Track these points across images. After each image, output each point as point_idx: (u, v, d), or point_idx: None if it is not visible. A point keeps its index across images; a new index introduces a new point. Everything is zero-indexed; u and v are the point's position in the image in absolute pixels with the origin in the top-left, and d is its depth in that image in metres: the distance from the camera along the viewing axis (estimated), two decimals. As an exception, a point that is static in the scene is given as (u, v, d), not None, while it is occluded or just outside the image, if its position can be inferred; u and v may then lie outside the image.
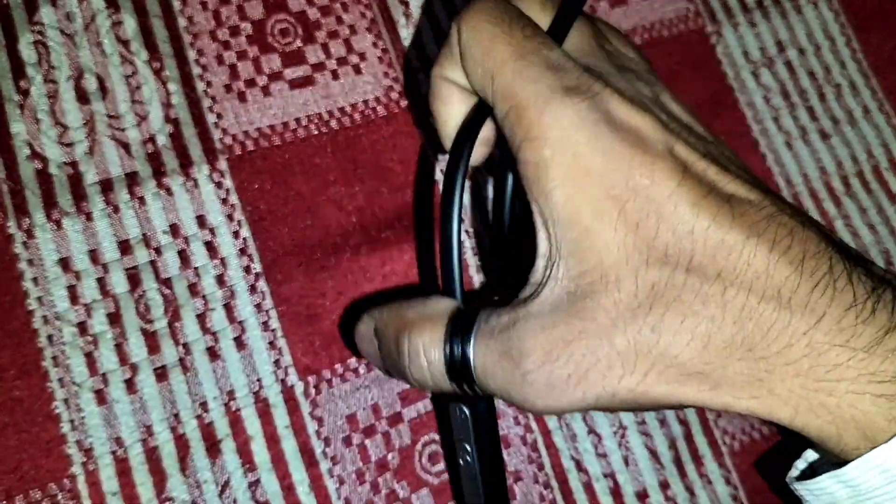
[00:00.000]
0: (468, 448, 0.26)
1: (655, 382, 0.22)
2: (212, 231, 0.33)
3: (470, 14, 0.25)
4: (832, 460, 0.23)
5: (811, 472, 0.24)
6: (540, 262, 0.24)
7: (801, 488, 0.24)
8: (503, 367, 0.23)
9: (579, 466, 0.34)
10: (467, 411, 0.25)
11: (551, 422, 0.34)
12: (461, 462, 0.26)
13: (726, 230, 0.21)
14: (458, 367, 0.23)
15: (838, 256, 0.22)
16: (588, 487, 0.34)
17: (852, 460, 0.22)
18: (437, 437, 0.33)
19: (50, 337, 0.31)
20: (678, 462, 0.35)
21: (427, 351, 0.24)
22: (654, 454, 0.35)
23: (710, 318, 0.21)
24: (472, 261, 0.36)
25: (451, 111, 0.27)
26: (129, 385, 0.31)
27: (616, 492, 0.34)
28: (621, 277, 0.22)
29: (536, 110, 0.23)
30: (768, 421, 0.23)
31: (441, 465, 0.33)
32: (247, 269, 0.33)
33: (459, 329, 0.24)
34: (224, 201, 0.34)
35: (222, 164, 0.34)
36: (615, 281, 0.22)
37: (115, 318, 0.32)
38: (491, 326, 0.23)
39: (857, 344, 0.21)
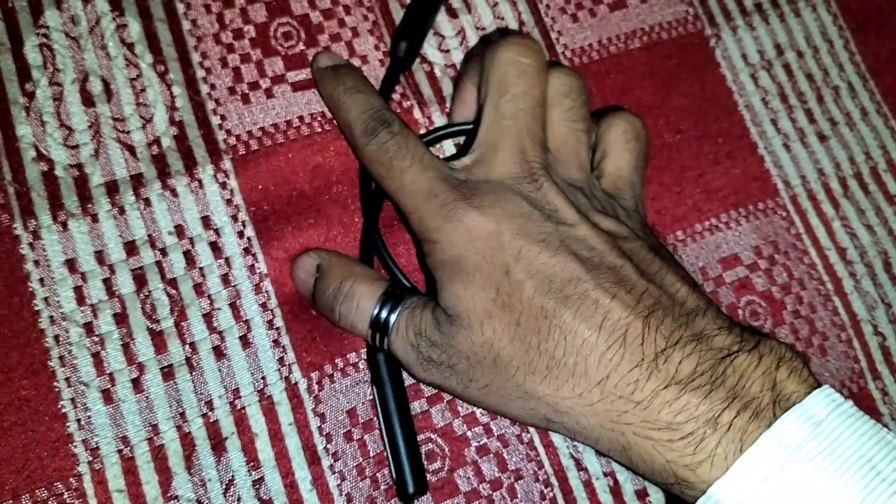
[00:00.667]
0: (378, 422, 0.33)
1: (494, 392, 0.30)
2: (216, 231, 0.34)
3: (364, 154, 0.32)
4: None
5: None
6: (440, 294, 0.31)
7: None
8: (409, 334, 0.31)
9: (579, 465, 0.34)
10: (381, 357, 0.33)
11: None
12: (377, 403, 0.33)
13: (545, 300, 0.28)
14: (380, 324, 0.31)
15: (640, 321, 0.28)
16: (588, 485, 0.34)
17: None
18: (433, 435, 0.33)
19: (57, 337, 0.31)
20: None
21: (361, 299, 0.32)
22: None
23: (529, 361, 0.29)
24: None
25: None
26: (136, 384, 0.31)
27: (616, 490, 0.34)
28: (472, 321, 0.29)
29: (419, 226, 0.31)
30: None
31: (438, 464, 0.33)
32: (251, 269, 0.34)
33: (390, 296, 0.32)
34: (228, 202, 0.34)
35: (226, 164, 0.34)
36: (468, 322, 0.29)
37: (121, 318, 0.32)
38: (412, 305, 0.31)
39: (638, 397, 0.27)
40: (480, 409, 0.34)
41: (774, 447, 0.25)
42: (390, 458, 0.32)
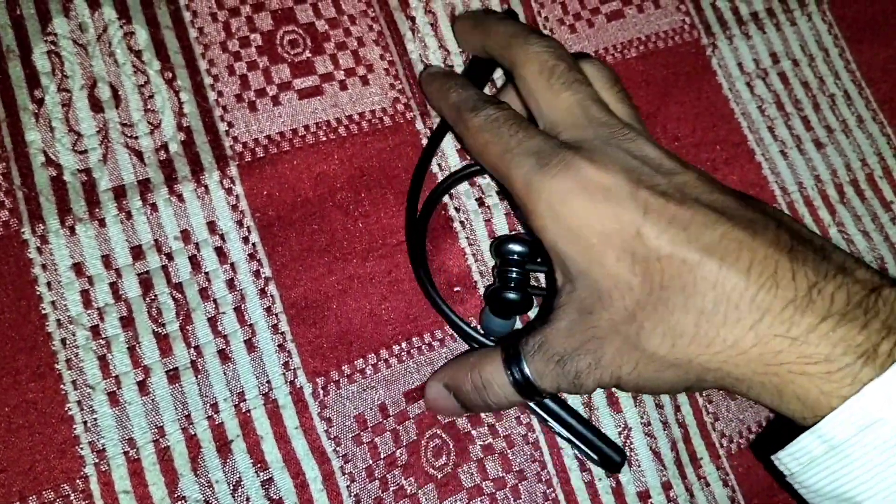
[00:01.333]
0: (555, 428, 0.34)
1: (644, 370, 0.29)
2: (222, 237, 0.34)
3: (468, 126, 0.32)
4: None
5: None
6: (560, 289, 0.31)
7: (784, 455, 0.28)
8: (549, 368, 0.30)
9: (582, 466, 0.35)
10: (535, 407, 0.34)
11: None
12: (564, 441, 0.35)
13: (685, 252, 0.27)
14: (521, 383, 0.30)
15: (786, 258, 0.27)
16: (590, 486, 0.34)
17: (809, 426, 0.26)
18: (439, 431, 0.34)
19: (64, 340, 0.31)
20: (678, 464, 0.36)
21: (496, 378, 0.31)
22: (657, 455, 0.35)
23: (675, 323, 0.27)
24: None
25: None
26: (142, 387, 0.32)
27: (618, 492, 0.35)
28: (613, 298, 0.28)
29: (526, 190, 0.30)
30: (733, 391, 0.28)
31: (444, 459, 0.33)
32: (256, 274, 0.34)
33: (511, 357, 0.31)
34: (234, 207, 0.35)
35: (233, 170, 0.35)
36: (608, 301, 0.28)
37: (127, 322, 0.32)
38: (532, 347, 0.30)
39: (795, 333, 0.26)
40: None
41: None
42: (586, 448, 0.33)
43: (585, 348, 0.29)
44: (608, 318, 0.28)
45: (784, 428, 0.28)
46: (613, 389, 0.34)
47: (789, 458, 0.28)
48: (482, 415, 0.34)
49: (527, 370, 0.30)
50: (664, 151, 0.30)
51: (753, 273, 0.27)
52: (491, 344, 0.34)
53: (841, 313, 0.26)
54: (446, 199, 0.37)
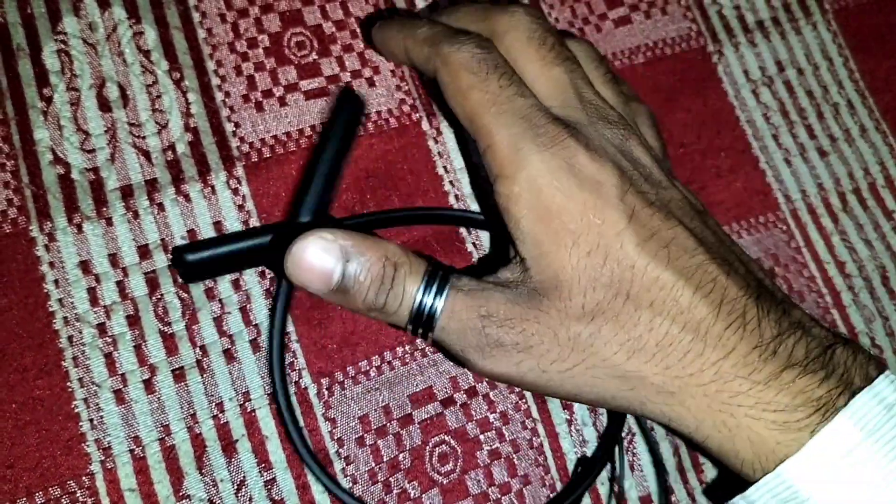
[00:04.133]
0: None
1: (581, 373, 0.27)
2: (228, 237, 0.34)
3: (448, 60, 0.29)
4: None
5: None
6: (512, 263, 0.29)
7: None
8: (465, 316, 0.27)
9: (585, 470, 0.35)
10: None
11: (560, 427, 0.35)
12: None
13: (661, 270, 0.26)
14: (423, 307, 0.28)
15: (753, 303, 0.27)
16: (592, 491, 0.35)
17: (756, 479, 0.26)
18: (446, 437, 0.34)
19: (70, 338, 0.32)
20: (680, 469, 0.36)
21: (407, 283, 0.28)
22: (659, 460, 0.36)
23: (637, 337, 0.27)
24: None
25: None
26: (148, 385, 0.32)
27: (620, 496, 0.35)
28: (572, 292, 0.27)
29: (508, 152, 0.27)
30: (675, 431, 0.28)
31: (450, 465, 0.34)
32: (262, 274, 0.34)
33: (435, 275, 0.28)
34: (240, 207, 0.35)
35: (239, 170, 0.35)
36: (567, 293, 0.27)
37: (134, 320, 0.32)
38: (464, 284, 0.28)
39: (757, 378, 0.26)
40: (495, 414, 0.34)
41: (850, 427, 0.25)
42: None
43: (521, 326, 0.27)
44: (561, 309, 0.27)
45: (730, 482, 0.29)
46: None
47: None
48: (490, 418, 0.34)
49: (440, 299, 0.27)
50: (652, 157, 0.30)
51: (724, 311, 0.27)
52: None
53: (802, 365, 0.26)
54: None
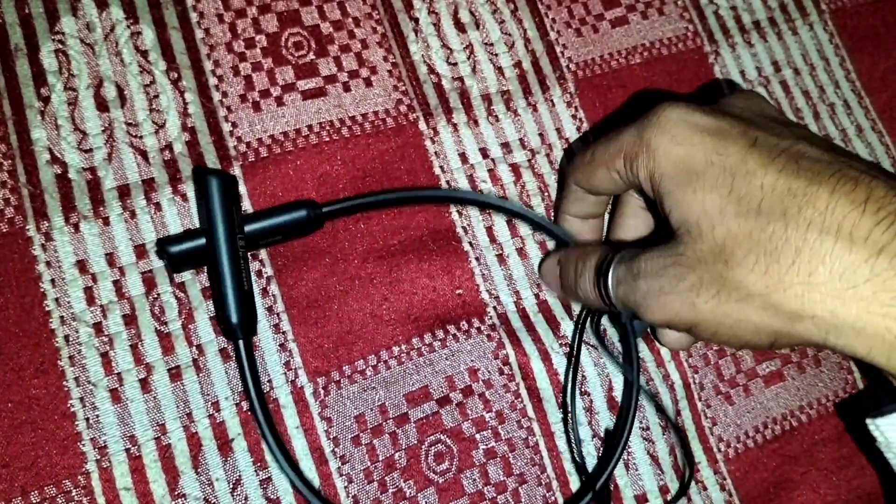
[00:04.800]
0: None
1: (725, 301, 0.27)
2: (225, 236, 0.34)
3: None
4: None
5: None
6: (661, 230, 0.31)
7: (882, 423, 0.27)
8: (625, 279, 0.30)
9: (581, 470, 0.35)
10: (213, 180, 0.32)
11: (555, 426, 0.35)
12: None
13: (792, 180, 0.26)
14: (602, 283, 0.32)
15: None
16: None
17: None
18: (442, 436, 0.34)
19: (67, 337, 0.32)
20: (676, 468, 0.36)
21: (588, 269, 0.33)
22: (655, 459, 0.36)
23: (772, 249, 0.26)
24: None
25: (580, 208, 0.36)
26: (144, 384, 0.32)
27: (616, 495, 0.35)
28: (702, 229, 0.28)
29: (638, 132, 0.30)
30: (826, 347, 0.26)
31: (445, 465, 0.34)
32: (258, 274, 0.34)
33: (606, 257, 0.32)
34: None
35: (236, 170, 0.35)
36: (697, 232, 0.28)
37: (130, 320, 0.32)
38: (624, 256, 0.31)
39: None
40: (490, 413, 0.34)
41: None
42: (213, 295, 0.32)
43: (665, 271, 0.29)
44: (696, 248, 0.28)
45: (881, 394, 0.27)
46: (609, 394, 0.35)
47: (888, 426, 0.27)
48: (486, 417, 0.35)
49: (610, 273, 0.31)
50: (774, 109, 0.31)
51: (870, 207, 0.25)
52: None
53: None
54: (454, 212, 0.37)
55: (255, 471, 0.32)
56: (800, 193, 0.25)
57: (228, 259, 0.31)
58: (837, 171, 0.26)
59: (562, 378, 0.35)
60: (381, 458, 0.33)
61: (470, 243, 0.37)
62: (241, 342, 0.31)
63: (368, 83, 0.38)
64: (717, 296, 0.27)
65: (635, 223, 0.36)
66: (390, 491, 0.33)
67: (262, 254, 0.34)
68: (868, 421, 0.28)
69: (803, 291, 0.25)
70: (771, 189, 0.26)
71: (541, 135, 0.40)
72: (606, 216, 0.38)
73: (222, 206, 0.31)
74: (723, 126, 0.28)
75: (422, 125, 0.38)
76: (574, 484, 0.35)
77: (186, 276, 0.33)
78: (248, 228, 0.33)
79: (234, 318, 0.31)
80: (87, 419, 0.31)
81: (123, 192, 0.34)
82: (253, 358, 0.32)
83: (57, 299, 0.32)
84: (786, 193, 0.26)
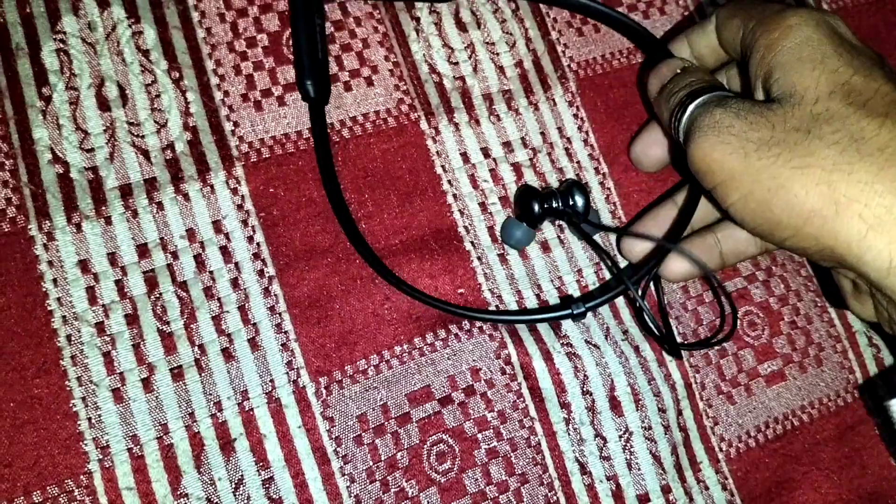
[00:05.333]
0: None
1: (782, 164, 0.28)
2: (227, 236, 0.34)
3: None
4: None
5: None
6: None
7: None
8: (709, 105, 0.31)
9: (583, 469, 0.35)
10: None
11: (557, 425, 0.35)
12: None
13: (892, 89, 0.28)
14: (690, 99, 0.32)
15: None
16: (590, 489, 0.35)
17: None
18: (444, 436, 0.34)
19: (69, 336, 0.32)
20: (678, 467, 0.36)
21: (686, 80, 0.34)
22: (657, 459, 0.36)
23: (859, 138, 0.27)
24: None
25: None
26: (146, 384, 0.32)
27: (618, 495, 0.35)
28: (806, 98, 0.29)
29: (777, 21, 0.32)
30: (846, 261, 0.28)
31: (447, 464, 0.34)
32: (260, 273, 0.34)
33: (709, 83, 0.33)
34: (239, 207, 0.35)
35: (238, 170, 0.35)
36: (800, 98, 0.29)
37: (132, 319, 0.32)
38: (722, 94, 0.32)
39: None
40: (492, 412, 0.34)
41: None
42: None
43: (745, 116, 0.30)
44: (789, 112, 0.29)
45: None
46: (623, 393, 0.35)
47: None
48: (488, 417, 0.35)
49: (702, 97, 0.32)
50: None
51: None
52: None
53: None
54: (455, 210, 0.37)
55: (258, 470, 0.32)
56: None
57: (305, 27, 0.36)
58: None
59: (563, 378, 0.35)
60: (383, 458, 0.33)
61: (472, 243, 0.37)
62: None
63: (370, 82, 0.38)
64: (778, 156, 0.28)
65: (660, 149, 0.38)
66: (392, 491, 0.33)
67: (265, 253, 0.34)
68: (891, 403, 0.28)
69: (868, 178, 0.26)
70: (884, 95, 0.28)
71: (542, 134, 0.40)
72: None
73: None
74: (861, 45, 0.31)
75: (423, 125, 0.38)
76: (577, 484, 0.35)
77: (189, 274, 0.33)
78: None
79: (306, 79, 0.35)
80: (90, 419, 0.31)
81: (125, 191, 0.34)
82: (324, 120, 0.36)
83: (59, 299, 0.32)
84: (893, 104, 0.27)
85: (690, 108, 0.32)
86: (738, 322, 0.39)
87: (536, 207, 0.36)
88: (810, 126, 0.28)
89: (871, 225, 0.26)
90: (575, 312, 0.35)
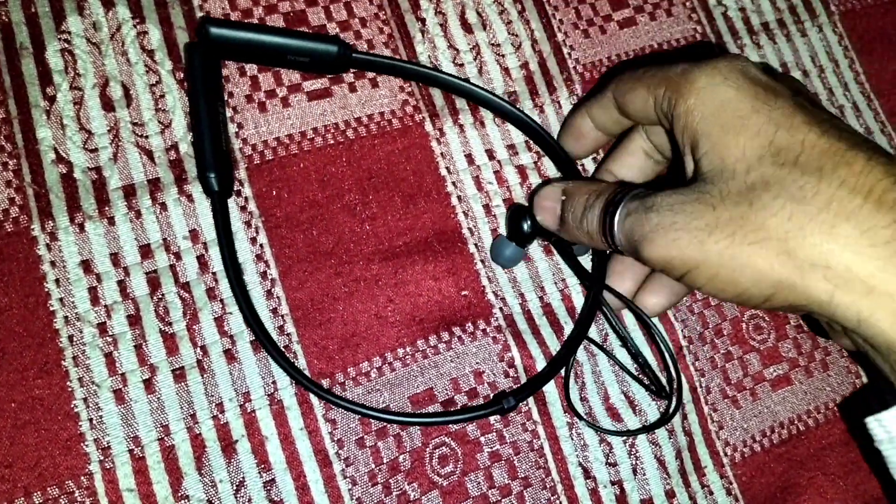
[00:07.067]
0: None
1: (738, 243, 0.27)
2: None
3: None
4: None
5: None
6: (685, 180, 0.31)
7: (886, 417, 0.28)
8: (635, 212, 0.30)
9: (587, 474, 0.35)
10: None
11: (560, 430, 0.35)
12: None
13: (833, 141, 0.27)
14: (610, 214, 0.31)
15: None
16: (594, 494, 0.34)
17: None
18: (447, 439, 0.34)
19: (71, 337, 0.31)
20: (682, 472, 0.36)
21: (597, 203, 0.32)
22: (661, 464, 0.35)
23: (801, 198, 0.26)
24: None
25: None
26: (148, 385, 0.32)
27: (622, 499, 0.35)
28: (736, 171, 0.28)
29: (683, 75, 0.30)
30: (823, 312, 0.27)
31: (450, 467, 0.33)
32: (263, 275, 0.34)
33: (620, 190, 0.31)
34: (242, 208, 0.35)
35: (241, 172, 0.35)
36: (731, 172, 0.28)
37: (134, 320, 0.32)
38: (639, 193, 0.31)
39: None
40: (496, 416, 0.34)
41: None
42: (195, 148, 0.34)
43: (683, 208, 0.28)
44: (723, 187, 0.28)
45: (882, 391, 0.28)
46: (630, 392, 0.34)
47: (879, 424, 0.27)
48: (490, 420, 0.34)
49: (621, 205, 0.31)
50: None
51: None
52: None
53: None
54: (456, 206, 0.37)
55: (259, 472, 0.32)
56: (838, 155, 0.26)
57: (207, 118, 0.33)
58: (875, 146, 0.27)
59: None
60: (385, 461, 0.33)
61: (476, 245, 0.37)
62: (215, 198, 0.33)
63: (374, 83, 0.38)
64: (730, 237, 0.27)
65: (632, 162, 0.37)
66: (394, 494, 0.33)
67: (268, 255, 0.34)
68: (869, 419, 0.28)
69: (823, 241, 0.26)
70: (811, 146, 0.27)
71: (547, 136, 0.39)
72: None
73: (202, 75, 0.34)
74: (774, 85, 0.29)
75: (428, 126, 0.38)
76: (580, 488, 0.34)
77: (191, 275, 0.33)
78: (281, 41, 0.35)
79: (209, 172, 0.33)
80: (91, 420, 0.31)
81: (129, 191, 0.34)
82: (227, 215, 0.34)
83: (61, 299, 0.32)
84: (825, 152, 0.26)
85: (618, 223, 0.31)
86: (744, 326, 0.39)
87: (525, 227, 0.35)
88: (751, 198, 0.27)
89: (837, 285, 0.26)
90: (506, 407, 0.33)
